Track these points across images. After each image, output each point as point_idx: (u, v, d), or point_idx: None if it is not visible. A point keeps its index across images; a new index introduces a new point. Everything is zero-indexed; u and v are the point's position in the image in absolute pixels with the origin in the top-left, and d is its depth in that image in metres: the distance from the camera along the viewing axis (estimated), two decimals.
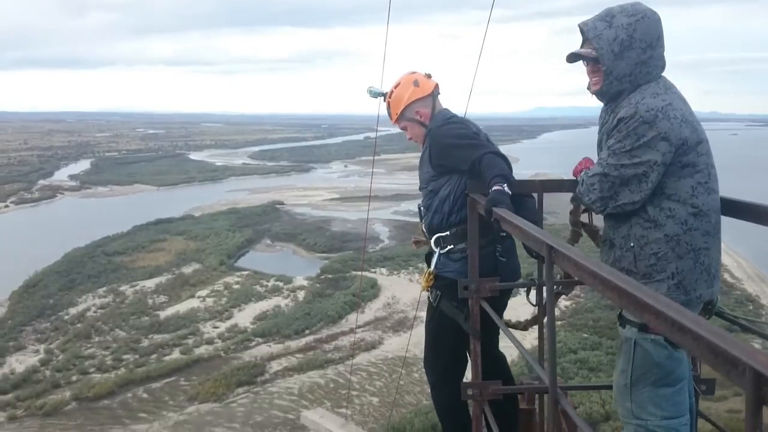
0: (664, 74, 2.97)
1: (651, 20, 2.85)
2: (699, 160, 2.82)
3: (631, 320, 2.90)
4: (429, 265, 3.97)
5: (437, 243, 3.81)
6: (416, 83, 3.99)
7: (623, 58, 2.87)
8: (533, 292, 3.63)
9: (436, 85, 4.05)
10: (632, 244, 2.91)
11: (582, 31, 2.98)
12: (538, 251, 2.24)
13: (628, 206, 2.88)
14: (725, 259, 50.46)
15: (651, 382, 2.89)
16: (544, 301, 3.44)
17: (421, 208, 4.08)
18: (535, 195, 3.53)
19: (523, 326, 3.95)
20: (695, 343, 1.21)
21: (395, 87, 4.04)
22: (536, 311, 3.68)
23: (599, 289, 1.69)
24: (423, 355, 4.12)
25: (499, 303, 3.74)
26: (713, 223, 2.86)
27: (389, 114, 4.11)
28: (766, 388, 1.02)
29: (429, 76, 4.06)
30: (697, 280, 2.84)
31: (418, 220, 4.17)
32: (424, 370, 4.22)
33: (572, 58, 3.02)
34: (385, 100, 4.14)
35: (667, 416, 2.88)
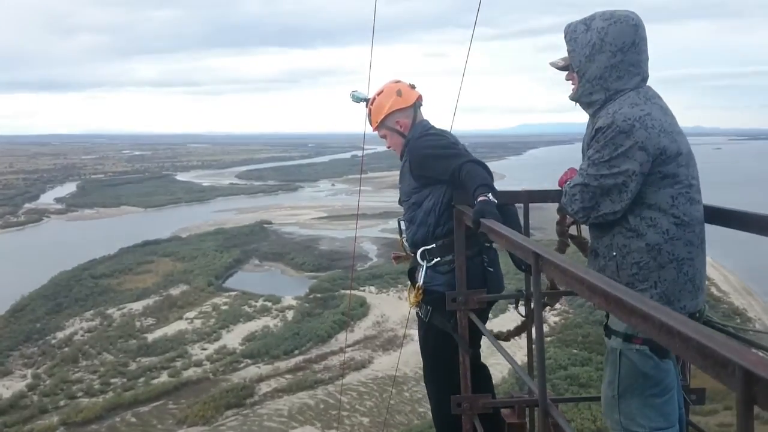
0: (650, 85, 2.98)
1: (625, 25, 2.85)
2: (679, 171, 2.81)
3: (616, 330, 2.89)
4: (413, 281, 3.93)
5: (423, 256, 3.77)
6: (399, 93, 3.98)
7: (594, 61, 2.89)
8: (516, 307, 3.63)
9: (419, 97, 4.04)
10: (614, 254, 2.91)
11: (564, 33, 3.01)
12: (525, 259, 2.22)
13: (609, 216, 2.87)
14: (712, 272, 50.73)
15: (638, 392, 2.87)
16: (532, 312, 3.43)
17: (402, 223, 4.04)
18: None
19: (505, 337, 3.93)
20: (684, 346, 1.20)
21: (378, 94, 4.03)
22: (521, 322, 3.66)
23: (586, 296, 1.67)
24: (422, 372, 4.05)
25: (482, 314, 3.72)
26: (697, 234, 2.85)
27: (369, 121, 4.10)
28: (757, 387, 1.01)
29: (413, 87, 4.05)
30: (681, 291, 2.83)
31: None
32: (420, 387, 4.15)
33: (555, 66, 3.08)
34: (367, 106, 4.11)
35: (656, 427, 2.86)
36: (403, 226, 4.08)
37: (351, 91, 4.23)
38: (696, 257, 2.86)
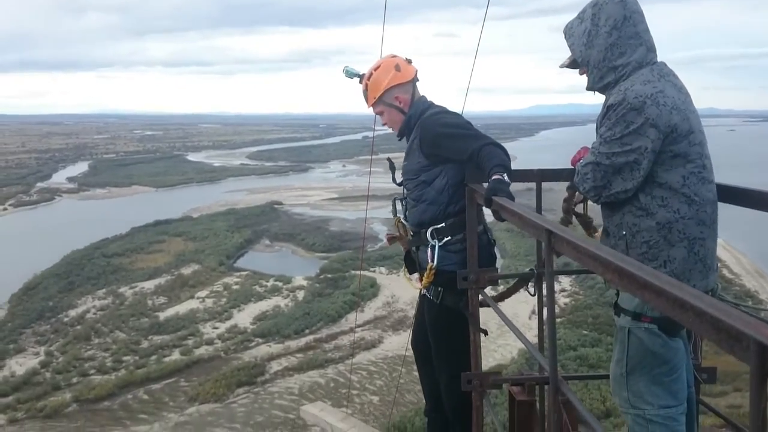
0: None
1: (611, 4, 2.89)
2: (691, 150, 2.79)
3: (625, 309, 2.89)
4: (411, 264, 3.91)
5: (433, 235, 3.73)
6: (398, 68, 3.85)
7: (593, 47, 2.93)
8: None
9: (416, 71, 3.93)
10: (624, 233, 2.90)
11: (563, 34, 3.08)
12: (537, 237, 2.22)
13: (621, 194, 2.87)
14: (724, 254, 50.53)
15: (647, 371, 2.88)
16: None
17: (400, 202, 3.98)
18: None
19: (499, 298, 3.90)
20: (698, 320, 1.19)
21: (375, 69, 3.89)
22: (510, 284, 3.62)
23: (599, 271, 1.67)
24: (434, 354, 3.98)
25: None
26: (708, 214, 2.83)
27: (365, 97, 3.93)
28: None
29: (410, 61, 3.94)
30: (691, 270, 2.81)
31: None
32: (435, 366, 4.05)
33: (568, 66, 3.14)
34: (361, 82, 3.95)
35: (665, 405, 2.87)
36: (398, 206, 4.00)
37: (344, 67, 4.05)
38: (708, 237, 2.84)
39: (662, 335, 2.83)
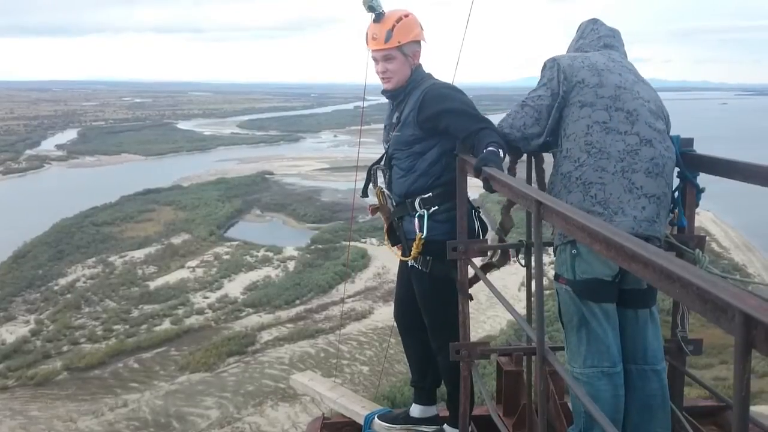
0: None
1: (586, 22, 3.45)
2: (597, 101, 2.98)
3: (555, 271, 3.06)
4: (395, 235, 3.88)
5: (421, 205, 3.68)
6: (421, 26, 3.75)
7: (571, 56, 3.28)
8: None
9: None
10: (548, 189, 3.16)
11: None
12: (526, 207, 2.22)
13: (553, 146, 3.19)
14: (713, 228, 50.83)
15: (574, 331, 3.00)
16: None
17: (382, 173, 3.90)
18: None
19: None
20: (684, 291, 1.19)
21: (405, 15, 3.67)
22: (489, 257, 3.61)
23: (588, 242, 1.67)
24: (428, 325, 3.94)
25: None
26: (613, 163, 2.91)
27: (388, 36, 3.61)
28: (755, 331, 1.01)
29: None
30: (589, 212, 2.80)
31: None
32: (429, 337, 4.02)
33: None
34: (377, 20, 3.66)
35: (590, 365, 2.95)
36: (380, 177, 3.91)
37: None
38: (609, 183, 2.91)
39: (576, 298, 2.93)
